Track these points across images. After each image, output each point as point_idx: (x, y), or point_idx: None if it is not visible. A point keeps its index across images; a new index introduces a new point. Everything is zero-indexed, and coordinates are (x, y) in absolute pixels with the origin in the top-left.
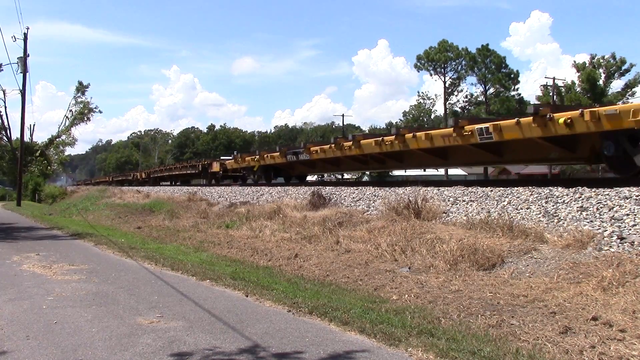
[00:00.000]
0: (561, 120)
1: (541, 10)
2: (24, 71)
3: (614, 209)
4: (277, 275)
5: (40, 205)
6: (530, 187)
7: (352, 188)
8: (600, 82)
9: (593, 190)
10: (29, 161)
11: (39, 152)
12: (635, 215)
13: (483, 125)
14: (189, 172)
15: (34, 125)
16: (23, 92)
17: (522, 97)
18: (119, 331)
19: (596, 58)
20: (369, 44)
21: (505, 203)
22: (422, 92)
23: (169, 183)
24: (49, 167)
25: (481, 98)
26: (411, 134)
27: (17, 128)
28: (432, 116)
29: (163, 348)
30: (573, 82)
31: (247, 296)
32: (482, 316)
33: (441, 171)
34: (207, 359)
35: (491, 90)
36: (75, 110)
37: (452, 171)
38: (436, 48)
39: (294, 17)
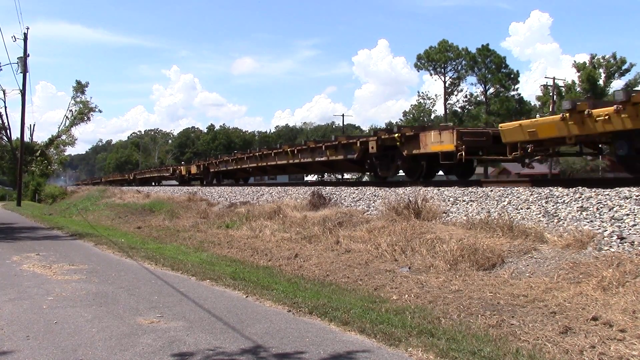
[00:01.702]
0: None
1: (541, 10)
2: (24, 71)
3: (614, 209)
4: (277, 275)
5: (40, 205)
6: (530, 187)
7: (352, 188)
8: (601, 82)
9: (593, 190)
10: (29, 161)
11: (39, 152)
12: (635, 215)
13: None
14: (337, 157)
15: (34, 125)
16: (23, 92)
17: (522, 97)
18: (119, 331)
19: (596, 58)
20: (369, 44)
21: (505, 203)
22: (422, 92)
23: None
24: (49, 167)
25: (481, 98)
26: None
27: (17, 128)
28: (432, 116)
29: (163, 348)
30: (573, 82)
31: (247, 296)
32: (482, 316)
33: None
34: (207, 359)
35: (491, 90)
36: (75, 110)
37: None
38: (436, 48)
39: (294, 17)
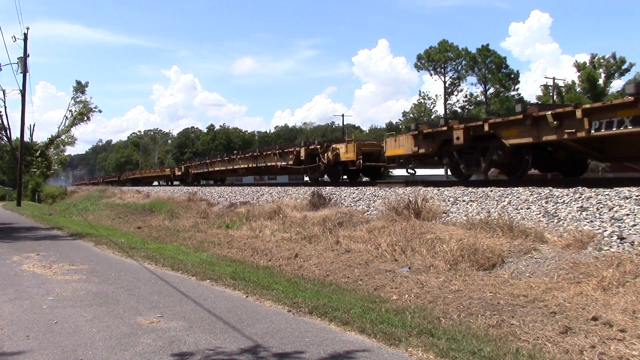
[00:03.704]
0: None
1: (541, 10)
2: (24, 71)
3: (614, 209)
4: (277, 275)
5: (40, 205)
6: (530, 187)
7: (352, 188)
8: (600, 81)
9: (593, 190)
10: (29, 161)
11: (39, 152)
12: (635, 215)
13: None
14: None
15: (34, 125)
16: (23, 92)
17: (522, 97)
18: (119, 331)
19: (596, 58)
20: (369, 44)
21: (505, 203)
22: (423, 92)
23: None
24: (50, 170)
25: (481, 98)
26: None
27: (17, 128)
28: (433, 116)
29: (163, 348)
30: (573, 82)
31: (247, 296)
32: (482, 316)
33: (441, 171)
34: (207, 359)
35: (491, 90)
36: (75, 110)
37: None
38: (436, 48)
39: (294, 17)
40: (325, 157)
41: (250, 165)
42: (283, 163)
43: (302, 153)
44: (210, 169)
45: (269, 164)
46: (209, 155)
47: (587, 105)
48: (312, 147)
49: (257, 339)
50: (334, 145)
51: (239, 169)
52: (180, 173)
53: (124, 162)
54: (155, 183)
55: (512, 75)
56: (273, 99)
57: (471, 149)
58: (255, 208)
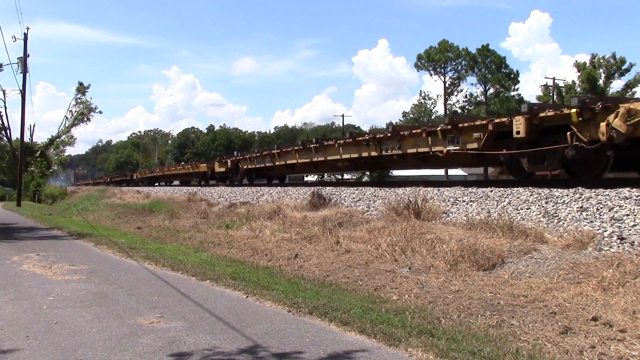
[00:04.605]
0: None
1: (541, 10)
2: (24, 71)
3: (614, 209)
4: (277, 275)
5: (40, 205)
6: (530, 188)
7: (352, 188)
8: (601, 81)
9: (593, 190)
10: (29, 161)
11: (39, 152)
12: (635, 215)
13: None
14: None
15: (34, 125)
16: (23, 92)
17: (522, 97)
18: (119, 331)
19: (596, 58)
20: (369, 44)
21: (505, 203)
22: (423, 92)
23: None
24: (49, 169)
25: (481, 98)
26: None
27: (17, 128)
28: (433, 116)
29: (163, 348)
30: (573, 82)
31: (247, 296)
32: (482, 316)
33: (441, 171)
34: (207, 359)
35: (491, 90)
36: (76, 111)
37: (452, 171)
38: (436, 48)
39: (294, 17)
40: (601, 129)
41: (366, 155)
42: (453, 148)
43: (520, 126)
44: (277, 163)
45: (410, 150)
46: (276, 144)
47: None
48: (549, 113)
49: (256, 339)
50: (631, 106)
51: (338, 162)
52: (223, 169)
53: (123, 162)
54: (176, 182)
55: (512, 75)
56: (273, 99)
57: None
58: (255, 208)
